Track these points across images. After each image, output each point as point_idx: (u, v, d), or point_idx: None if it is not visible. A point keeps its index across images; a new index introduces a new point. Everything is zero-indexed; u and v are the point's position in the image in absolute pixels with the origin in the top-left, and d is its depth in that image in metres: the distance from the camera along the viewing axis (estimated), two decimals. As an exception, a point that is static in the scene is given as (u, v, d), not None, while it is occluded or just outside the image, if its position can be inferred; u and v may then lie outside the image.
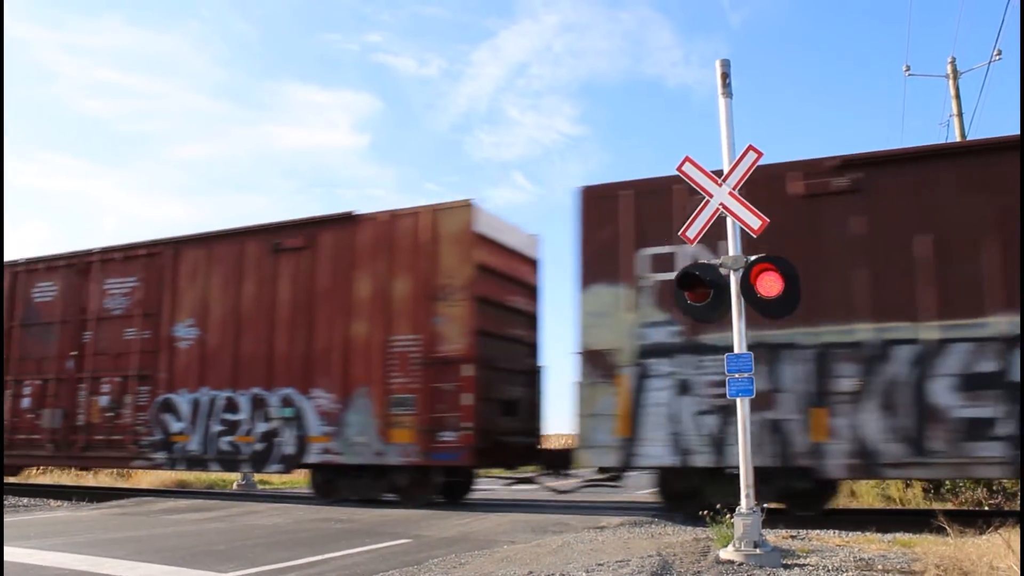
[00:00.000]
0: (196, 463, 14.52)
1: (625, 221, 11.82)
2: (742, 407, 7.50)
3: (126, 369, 15.34)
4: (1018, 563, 6.09)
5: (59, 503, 14.55)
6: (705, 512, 8.98)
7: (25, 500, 14.90)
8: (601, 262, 11.83)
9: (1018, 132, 10.14)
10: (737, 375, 7.49)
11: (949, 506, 13.13)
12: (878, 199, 10.68)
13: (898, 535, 8.77)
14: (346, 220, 13.82)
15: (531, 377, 13.20)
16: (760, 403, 10.39)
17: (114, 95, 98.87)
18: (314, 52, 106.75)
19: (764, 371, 10.55)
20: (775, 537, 8.42)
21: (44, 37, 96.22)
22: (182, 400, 14.66)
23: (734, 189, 7.75)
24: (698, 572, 6.76)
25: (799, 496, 10.87)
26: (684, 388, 11.12)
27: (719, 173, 7.91)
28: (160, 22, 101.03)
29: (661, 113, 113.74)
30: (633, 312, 11.52)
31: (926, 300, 10.23)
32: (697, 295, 7.94)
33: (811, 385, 10.58)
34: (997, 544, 6.94)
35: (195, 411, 14.48)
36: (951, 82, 21.05)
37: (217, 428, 14.20)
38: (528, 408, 13.93)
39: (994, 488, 13.55)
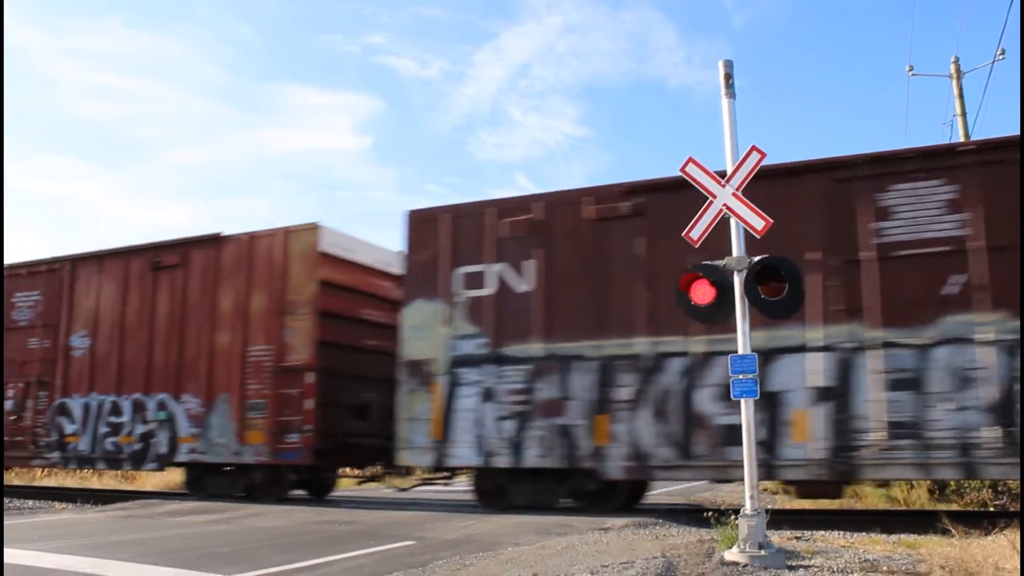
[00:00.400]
0: (85, 462, 15.91)
1: (444, 242, 12.80)
2: (746, 408, 7.49)
3: (28, 376, 16.73)
4: (1025, 564, 6.08)
5: (64, 505, 14.56)
6: (710, 513, 8.99)
7: (30, 502, 14.92)
8: (422, 280, 12.83)
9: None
10: (741, 376, 7.48)
11: (954, 507, 13.10)
12: (657, 222, 11.47)
13: (903, 536, 8.75)
14: (214, 240, 15.07)
15: (388, 384, 13.76)
16: (553, 410, 11.65)
17: (113, 98, 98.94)
18: (314, 54, 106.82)
19: (556, 380, 11.73)
20: (780, 538, 8.41)
21: (42, 41, 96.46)
22: (75, 404, 16.05)
23: (737, 190, 7.75)
24: (702, 574, 6.75)
25: (589, 495, 11.87)
26: (488, 395, 12.12)
27: (723, 174, 7.92)
28: (160, 25, 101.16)
29: (664, 114, 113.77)
30: (448, 326, 12.53)
31: None
32: (702, 296, 7.93)
33: (595, 394, 11.52)
34: (1002, 545, 6.94)
35: (86, 414, 15.85)
36: (954, 82, 21.00)
37: (104, 430, 15.58)
38: (381, 412, 14.48)
39: (999, 489, 13.53)
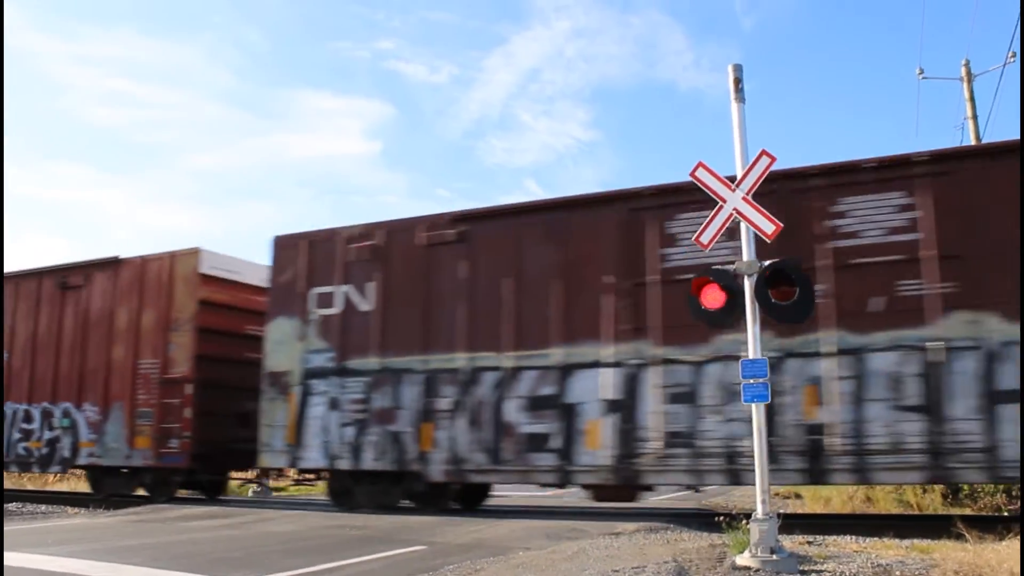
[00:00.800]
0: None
1: (301, 265, 14.05)
2: (757, 412, 7.46)
3: None
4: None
5: (76, 510, 14.63)
6: (722, 518, 8.97)
7: (43, 507, 15.02)
8: (283, 299, 14.06)
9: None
10: (752, 380, 7.45)
11: (967, 511, 13.01)
12: (478, 248, 12.69)
13: (916, 541, 8.68)
14: (113, 263, 16.36)
15: None
16: (386, 418, 12.83)
17: (126, 105, 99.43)
18: (325, 60, 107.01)
19: (390, 391, 12.91)
20: (791, 543, 8.37)
21: (55, 49, 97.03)
22: None
23: (747, 194, 7.74)
24: (714, 578, 6.73)
25: (420, 496, 12.99)
26: (334, 404, 13.30)
27: (733, 179, 7.91)
28: (172, 33, 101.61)
29: (674, 117, 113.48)
30: (303, 341, 13.71)
31: (507, 334, 12.22)
32: (712, 301, 7.90)
33: (421, 404, 12.67)
34: (1016, 550, 6.89)
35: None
36: (965, 84, 20.90)
37: (17, 436, 16.82)
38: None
39: (1013, 494, 13.43)
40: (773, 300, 7.56)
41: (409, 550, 8.74)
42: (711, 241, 7.94)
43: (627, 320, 11.50)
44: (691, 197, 10.68)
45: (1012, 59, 19.68)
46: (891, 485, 12.14)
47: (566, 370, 11.69)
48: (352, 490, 13.33)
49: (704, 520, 10.72)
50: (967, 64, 20.88)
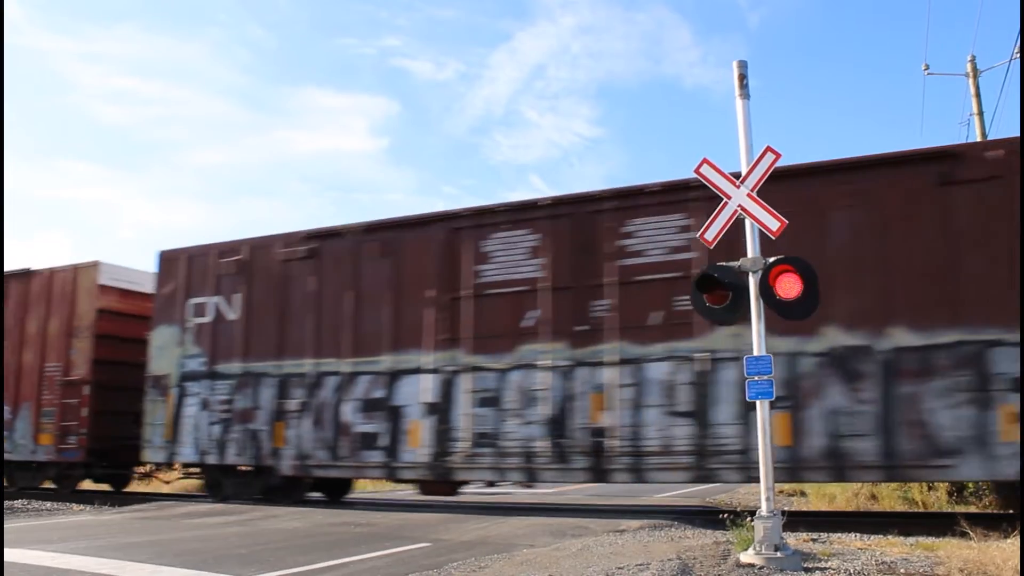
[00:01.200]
0: None
1: (181, 278, 15.44)
2: (761, 409, 7.45)
3: None
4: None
5: (81, 507, 14.67)
6: (726, 515, 8.97)
7: (48, 504, 15.05)
8: (166, 308, 15.47)
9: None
10: (757, 377, 7.44)
11: (972, 509, 12.99)
12: (325, 264, 14.03)
13: (920, 538, 8.68)
14: (26, 274, 17.62)
15: None
16: (247, 417, 14.18)
17: (132, 102, 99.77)
18: (331, 57, 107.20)
19: (250, 393, 14.24)
20: (796, 540, 8.37)
21: (62, 46, 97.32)
22: None
23: (752, 191, 7.72)
24: (718, 576, 6.73)
25: (276, 490, 14.29)
26: (205, 405, 14.67)
27: (737, 175, 7.90)
28: (178, 29, 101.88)
29: (679, 114, 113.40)
30: (180, 347, 15.11)
31: (347, 342, 13.52)
32: (716, 297, 7.89)
33: (275, 404, 13.99)
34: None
35: None
36: (971, 80, 20.83)
37: None
38: None
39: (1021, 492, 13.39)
40: (778, 296, 7.53)
41: (414, 547, 8.75)
42: (715, 238, 7.92)
43: (444, 331, 12.78)
44: (504, 218, 12.67)
45: (1018, 55, 19.61)
46: (661, 483, 12.67)
47: (394, 375, 13.03)
48: (222, 482, 14.84)
49: (708, 518, 10.72)
50: (973, 60, 20.82)
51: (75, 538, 9.76)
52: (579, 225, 12.07)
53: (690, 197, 11.26)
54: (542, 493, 15.89)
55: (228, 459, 14.29)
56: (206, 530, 10.72)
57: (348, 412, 13.27)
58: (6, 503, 14.58)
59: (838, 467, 10.34)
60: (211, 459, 14.46)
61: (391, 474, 13.26)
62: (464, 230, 12.93)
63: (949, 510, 12.80)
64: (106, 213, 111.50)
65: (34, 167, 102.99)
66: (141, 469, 18.40)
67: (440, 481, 13.00)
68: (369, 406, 13.12)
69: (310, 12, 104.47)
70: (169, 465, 16.45)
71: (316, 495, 15.95)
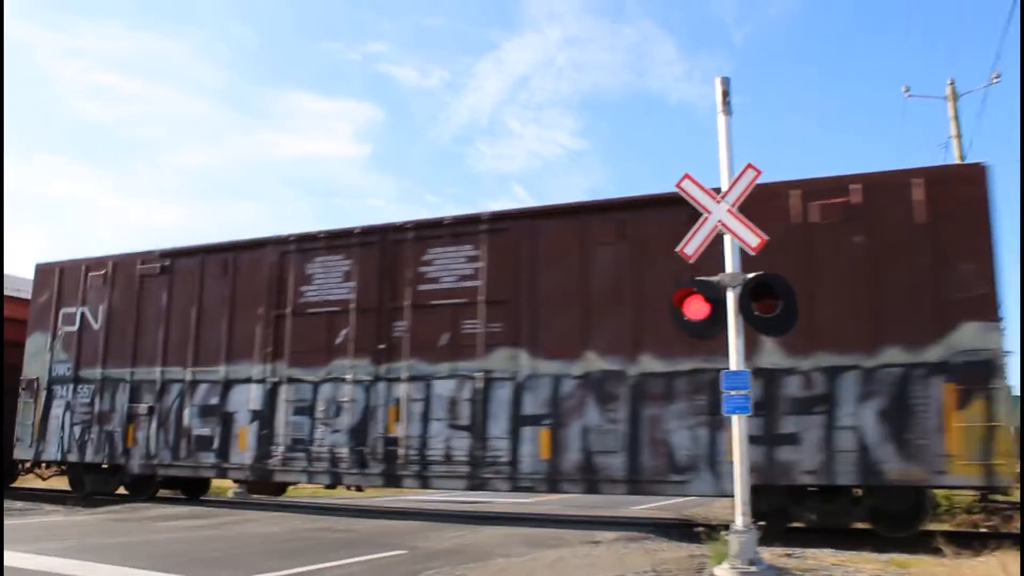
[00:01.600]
0: None
1: (54, 289, 16.66)
2: (738, 424, 7.48)
3: None
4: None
5: (54, 507, 14.52)
6: (701, 529, 9.00)
7: (19, 504, 14.87)
8: (40, 317, 16.77)
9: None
10: (733, 392, 7.47)
11: (945, 527, 13.08)
12: (176, 280, 15.32)
13: (894, 555, 8.71)
14: None
15: None
16: (105, 419, 15.49)
17: (114, 99, 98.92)
18: (315, 60, 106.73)
19: (109, 397, 15.53)
20: (771, 555, 8.38)
21: (44, 39, 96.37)
22: None
23: (733, 207, 7.77)
24: (692, 589, 6.74)
25: (130, 486, 15.71)
26: (69, 407, 15.99)
27: (719, 191, 7.95)
28: (162, 27, 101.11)
29: (663, 127, 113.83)
30: (50, 353, 16.43)
31: (190, 352, 14.78)
32: (695, 312, 7.90)
33: (128, 408, 15.26)
34: (992, 566, 6.94)
35: None
36: (950, 103, 21.04)
37: None
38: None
39: (991, 510, 13.50)
40: (756, 313, 7.58)
41: (390, 554, 8.73)
42: (696, 252, 7.95)
43: (270, 344, 14.03)
44: (324, 244, 13.99)
45: (996, 79, 19.87)
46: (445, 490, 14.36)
47: (227, 384, 14.31)
48: (83, 479, 16.05)
49: (684, 530, 10.74)
50: (952, 84, 21.04)
51: (46, 539, 9.68)
52: (385, 252, 13.41)
53: (480, 229, 12.70)
54: (520, 502, 15.88)
55: (87, 457, 15.59)
56: (179, 533, 10.65)
57: (188, 417, 14.59)
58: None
59: (591, 480, 11.38)
60: (72, 457, 15.77)
61: (222, 474, 14.80)
62: (291, 253, 14.21)
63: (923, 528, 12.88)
64: (86, 211, 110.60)
65: (11, 160, 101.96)
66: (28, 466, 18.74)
67: (262, 481, 15.03)
68: (206, 412, 14.49)
69: (295, 14, 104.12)
70: (37, 463, 17.23)
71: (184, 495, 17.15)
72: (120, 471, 15.38)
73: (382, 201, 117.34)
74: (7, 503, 14.96)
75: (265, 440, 13.73)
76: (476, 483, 12.11)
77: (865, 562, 8.31)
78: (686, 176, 8.06)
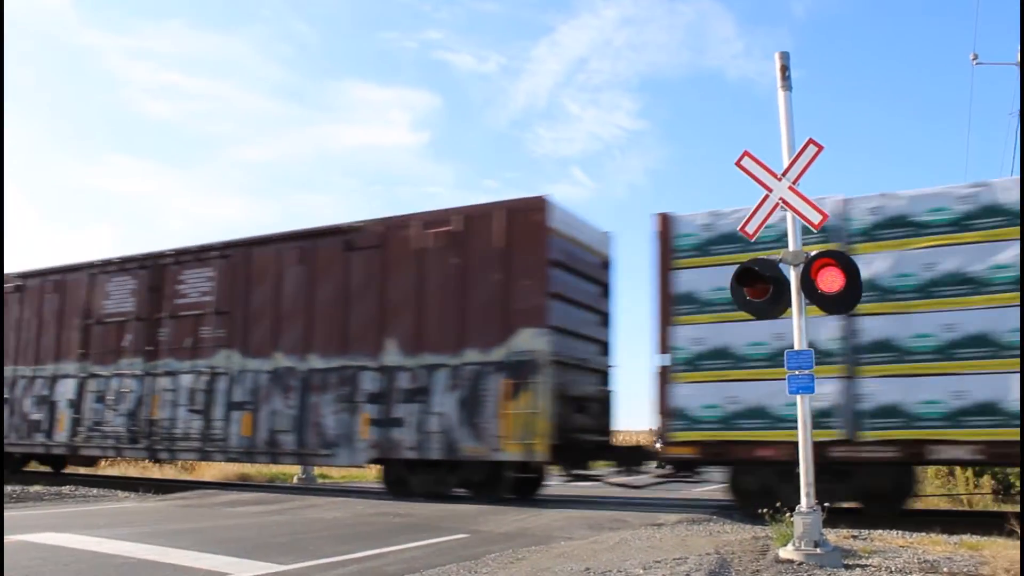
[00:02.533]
0: None
1: None
2: (802, 404, 7.36)
3: None
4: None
5: (126, 494, 14.95)
6: (765, 510, 8.89)
7: (95, 491, 15.35)
8: None
9: None
10: (797, 372, 7.35)
11: (1019, 509, 12.73)
12: (25, 297, 19.28)
13: (965, 537, 8.51)
14: None
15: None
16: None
17: (179, 98, 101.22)
18: (373, 51, 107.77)
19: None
20: (836, 537, 8.26)
21: (111, 43, 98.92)
22: None
23: (794, 183, 7.61)
24: (757, 571, 6.67)
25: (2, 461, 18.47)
26: None
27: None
28: (222, 25, 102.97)
29: (722, 106, 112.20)
30: None
31: (32, 352, 18.84)
32: (757, 291, 7.79)
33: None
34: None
35: None
36: (1021, 70, 20.33)
37: None
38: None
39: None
40: (820, 291, 7.43)
41: (452, 538, 8.81)
42: (756, 231, 7.82)
43: (82, 347, 17.91)
44: (118, 267, 17.83)
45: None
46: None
47: (55, 379, 18.32)
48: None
49: (747, 512, 10.63)
50: (1022, 50, 20.28)
51: (120, 524, 9.98)
52: (154, 273, 17.22)
53: (214, 256, 16.45)
54: (581, 486, 15.86)
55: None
56: (247, 519, 10.88)
57: (28, 405, 18.56)
58: (55, 489, 14.93)
59: (273, 453, 14.93)
60: None
61: (47, 450, 18.36)
62: (97, 275, 18.06)
63: (995, 509, 12.56)
64: (155, 206, 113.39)
65: (85, 161, 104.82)
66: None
67: (73, 456, 18.70)
68: (39, 401, 18.38)
69: (352, 6, 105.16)
70: None
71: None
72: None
73: (441, 188, 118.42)
74: (84, 489, 15.47)
75: (75, 423, 17.66)
76: (204, 455, 16.10)
77: (934, 544, 8.12)
78: (745, 154, 7.91)
